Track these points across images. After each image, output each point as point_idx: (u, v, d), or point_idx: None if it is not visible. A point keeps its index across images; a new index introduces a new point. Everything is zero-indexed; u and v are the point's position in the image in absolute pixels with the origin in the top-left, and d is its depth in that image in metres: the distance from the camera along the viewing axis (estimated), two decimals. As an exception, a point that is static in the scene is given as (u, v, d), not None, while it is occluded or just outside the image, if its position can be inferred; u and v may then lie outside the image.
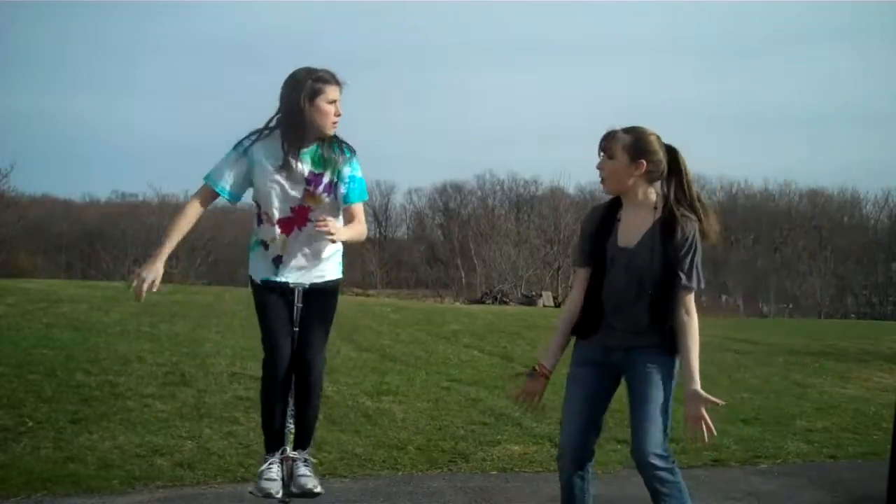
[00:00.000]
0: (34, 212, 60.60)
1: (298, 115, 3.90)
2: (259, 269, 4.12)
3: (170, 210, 59.09)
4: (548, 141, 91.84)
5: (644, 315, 3.64)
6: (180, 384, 7.74)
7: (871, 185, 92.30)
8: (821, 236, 62.48)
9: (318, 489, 4.09)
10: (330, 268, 4.15)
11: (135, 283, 3.79)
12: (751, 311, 52.58)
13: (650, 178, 3.68)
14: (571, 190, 63.15)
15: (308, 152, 3.98)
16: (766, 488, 5.85)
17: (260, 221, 4.10)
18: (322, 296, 4.12)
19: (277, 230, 4.03)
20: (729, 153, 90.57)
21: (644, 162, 3.63)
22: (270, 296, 4.08)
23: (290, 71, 3.98)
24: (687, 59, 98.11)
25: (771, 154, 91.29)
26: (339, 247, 4.16)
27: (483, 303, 34.43)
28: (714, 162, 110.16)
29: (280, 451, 4.13)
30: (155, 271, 3.90)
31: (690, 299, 3.68)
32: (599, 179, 3.75)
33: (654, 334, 3.65)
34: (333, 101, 3.93)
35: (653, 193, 3.70)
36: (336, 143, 4.02)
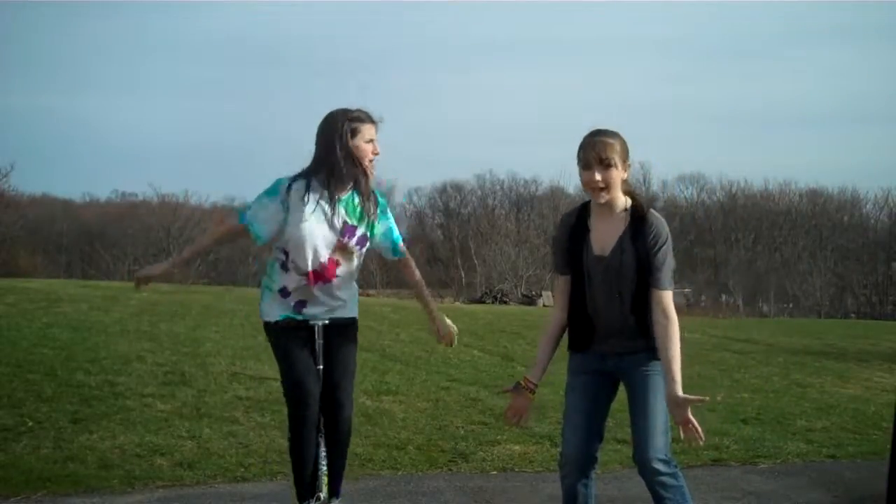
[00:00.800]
0: (34, 211, 60.60)
1: (335, 157, 3.83)
2: (276, 309, 4.00)
3: (169, 210, 59.35)
4: (548, 141, 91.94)
5: (629, 320, 3.61)
6: (180, 384, 7.74)
7: (871, 185, 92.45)
8: (821, 236, 62.50)
9: None
10: (349, 305, 4.10)
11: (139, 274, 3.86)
12: (751, 310, 52.61)
13: (625, 181, 3.65)
14: (571, 189, 63.07)
15: (344, 201, 3.91)
16: (766, 488, 5.84)
17: (285, 269, 3.97)
18: (343, 329, 4.07)
19: (304, 280, 3.95)
20: (729, 153, 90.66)
21: (629, 164, 3.63)
22: (289, 333, 3.99)
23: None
24: (687, 58, 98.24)
25: (771, 154, 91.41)
26: (355, 288, 4.14)
27: (483, 302, 34.45)
28: (714, 162, 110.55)
29: (315, 499, 4.02)
30: (159, 267, 3.94)
31: (667, 300, 3.58)
32: (597, 190, 3.58)
33: (643, 338, 3.62)
34: (370, 141, 3.88)
35: (622, 195, 3.65)
36: (370, 192, 3.98)
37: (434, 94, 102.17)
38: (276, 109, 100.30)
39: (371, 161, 3.89)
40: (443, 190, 70.25)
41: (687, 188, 70.63)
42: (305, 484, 4.04)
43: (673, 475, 3.55)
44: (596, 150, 3.57)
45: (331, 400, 4.05)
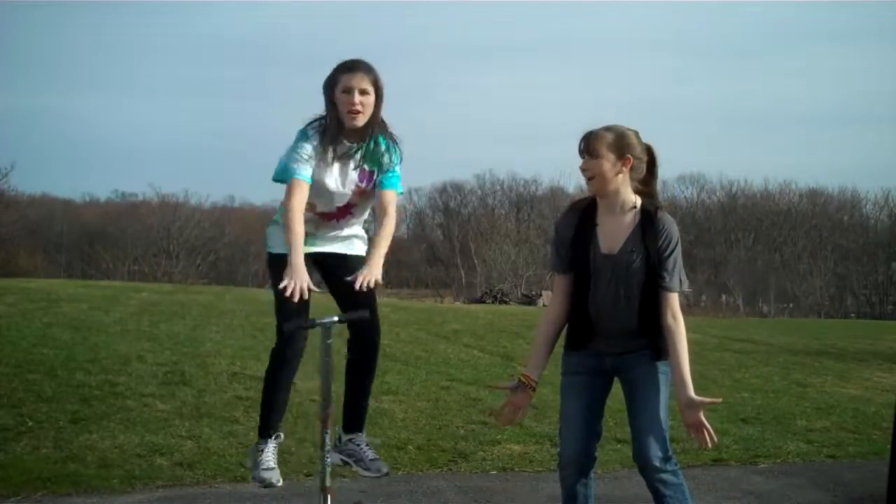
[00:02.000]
0: (34, 211, 60.60)
1: (329, 109, 3.86)
2: (282, 241, 3.85)
3: (169, 209, 59.35)
4: (548, 140, 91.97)
5: (633, 320, 3.59)
6: (180, 384, 7.74)
7: (871, 185, 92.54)
8: (821, 236, 62.49)
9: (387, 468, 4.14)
10: (357, 244, 4.11)
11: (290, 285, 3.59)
12: (751, 310, 52.61)
13: (633, 177, 3.62)
14: (571, 189, 63.09)
15: (362, 147, 3.90)
16: (766, 488, 5.84)
17: None
18: (349, 263, 3.99)
19: (314, 217, 3.94)
20: (729, 153, 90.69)
21: (630, 157, 3.58)
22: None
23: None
24: (687, 58, 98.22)
25: (771, 154, 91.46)
26: (363, 233, 4.14)
27: (483, 302, 34.46)
28: (714, 162, 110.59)
29: (275, 437, 4.01)
30: (303, 275, 3.67)
31: (675, 302, 3.58)
32: (586, 181, 3.64)
33: (644, 338, 3.60)
34: (347, 91, 3.80)
35: (632, 193, 3.64)
36: (385, 136, 3.94)
37: (434, 93, 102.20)
38: (276, 109, 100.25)
39: (350, 112, 3.80)
40: (443, 190, 70.29)
41: (687, 188, 70.58)
42: (273, 420, 4.00)
43: (673, 473, 3.54)
44: (585, 141, 3.61)
45: (356, 320, 3.93)
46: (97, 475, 5.32)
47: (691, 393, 3.51)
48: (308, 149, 3.82)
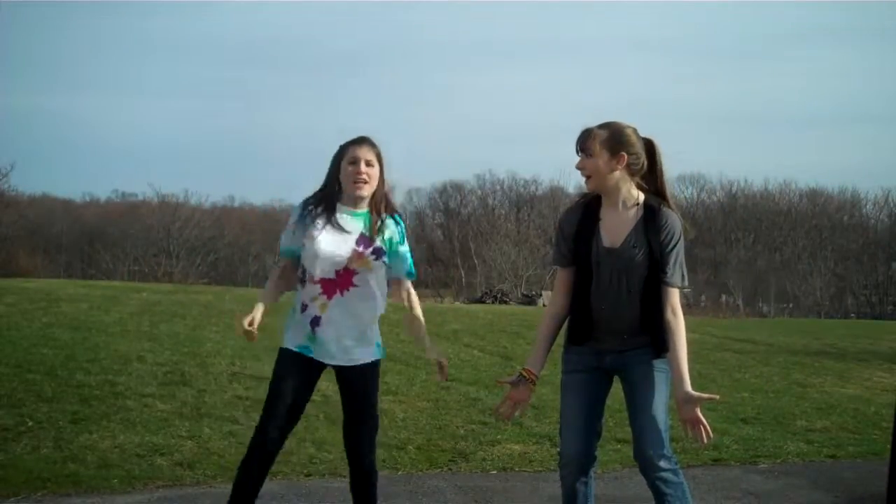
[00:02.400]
0: (34, 211, 60.59)
1: (333, 177, 4.03)
2: (295, 336, 4.02)
3: (169, 209, 59.35)
4: (547, 140, 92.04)
5: (634, 315, 3.59)
6: (180, 384, 7.74)
7: (871, 185, 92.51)
8: (821, 236, 62.51)
9: None
10: (367, 348, 4.08)
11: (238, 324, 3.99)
12: (751, 310, 52.58)
13: (631, 172, 3.61)
14: (571, 189, 63.08)
15: (361, 215, 4.01)
16: (766, 488, 5.85)
17: (303, 283, 4.02)
18: (357, 379, 4.07)
19: (319, 289, 3.96)
20: (729, 153, 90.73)
21: (625, 154, 3.58)
22: (292, 362, 3.98)
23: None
24: (687, 58, 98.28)
25: (771, 154, 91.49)
26: (376, 329, 4.12)
27: (483, 302, 34.42)
28: (714, 161, 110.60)
29: None
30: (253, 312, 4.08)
31: (676, 298, 3.59)
32: (583, 179, 3.66)
33: (645, 335, 3.60)
34: (354, 161, 3.97)
35: (634, 189, 3.64)
36: (389, 213, 4.07)
37: (434, 93, 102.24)
38: (276, 109, 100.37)
39: (356, 183, 3.96)
40: (443, 190, 70.27)
41: (687, 188, 70.51)
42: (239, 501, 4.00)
43: (674, 472, 3.54)
44: (579, 140, 3.64)
45: (350, 455, 4.14)
46: (97, 475, 5.32)
47: (689, 388, 3.51)
48: (297, 224, 4.02)
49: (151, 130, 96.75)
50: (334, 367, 4.03)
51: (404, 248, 4.10)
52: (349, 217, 3.99)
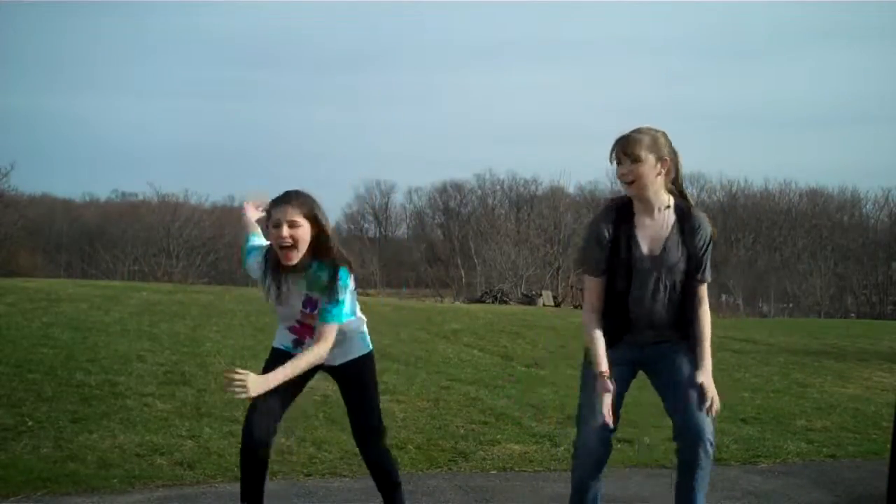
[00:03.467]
0: (34, 211, 60.60)
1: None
2: (281, 338, 4.08)
3: (169, 209, 59.35)
4: (548, 140, 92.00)
5: (671, 315, 3.73)
6: (180, 383, 7.74)
7: (871, 185, 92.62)
8: (821, 236, 62.51)
9: None
10: (355, 345, 4.08)
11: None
12: (751, 310, 52.62)
13: (668, 177, 3.70)
14: (571, 189, 63.21)
15: (303, 276, 3.85)
16: (766, 488, 5.84)
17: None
18: (353, 374, 4.08)
19: (289, 334, 4.04)
20: (729, 153, 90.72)
21: (668, 159, 3.66)
22: (285, 358, 3.91)
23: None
24: (687, 59, 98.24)
25: (771, 153, 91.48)
26: (357, 325, 4.08)
27: (483, 302, 34.42)
28: (714, 161, 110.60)
29: None
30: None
31: (705, 290, 3.80)
32: (625, 185, 3.66)
33: (679, 329, 3.76)
34: (277, 225, 3.74)
35: (665, 193, 3.72)
36: (328, 264, 3.84)
37: (434, 93, 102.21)
38: (275, 109, 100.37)
39: (281, 248, 3.76)
40: (443, 189, 70.38)
41: (686, 188, 70.48)
42: (247, 492, 4.09)
43: (711, 460, 3.66)
44: (621, 145, 3.65)
45: (360, 444, 4.14)
46: (97, 475, 5.32)
47: (706, 378, 3.67)
48: (253, 262, 4.05)
49: (151, 130, 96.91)
50: (326, 368, 4.05)
51: (342, 302, 3.84)
52: (292, 281, 3.86)
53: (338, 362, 4.05)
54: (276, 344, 4.10)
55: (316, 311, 3.86)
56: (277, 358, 3.98)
